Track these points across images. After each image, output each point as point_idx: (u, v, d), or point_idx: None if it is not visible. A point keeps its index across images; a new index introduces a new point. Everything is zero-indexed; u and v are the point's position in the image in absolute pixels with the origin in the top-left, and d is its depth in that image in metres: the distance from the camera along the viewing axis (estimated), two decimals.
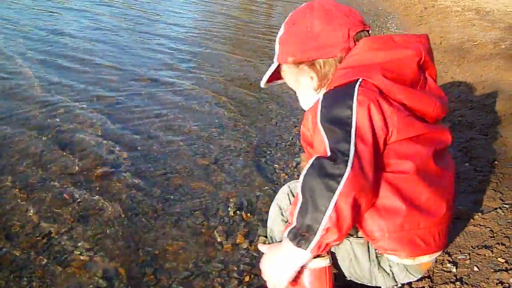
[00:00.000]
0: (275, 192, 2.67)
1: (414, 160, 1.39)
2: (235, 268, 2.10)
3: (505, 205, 2.18)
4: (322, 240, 1.24)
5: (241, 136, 3.45)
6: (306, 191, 1.25)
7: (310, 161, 1.27)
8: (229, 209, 2.53)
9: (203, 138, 3.35)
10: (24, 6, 6.62)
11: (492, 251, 1.86)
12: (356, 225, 1.41)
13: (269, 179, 2.90)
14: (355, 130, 1.27)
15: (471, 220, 2.13)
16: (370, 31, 1.57)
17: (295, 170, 2.99)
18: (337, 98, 1.36)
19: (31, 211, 2.34)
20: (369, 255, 1.55)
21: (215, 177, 2.86)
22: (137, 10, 7.50)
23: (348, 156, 1.23)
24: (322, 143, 1.30)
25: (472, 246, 1.94)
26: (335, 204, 1.20)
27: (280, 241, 1.39)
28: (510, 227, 2.01)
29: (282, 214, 1.66)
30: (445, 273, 1.83)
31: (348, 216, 1.22)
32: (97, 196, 2.52)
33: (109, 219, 2.36)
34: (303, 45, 1.56)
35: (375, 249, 1.53)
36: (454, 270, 1.82)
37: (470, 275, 1.78)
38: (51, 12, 6.54)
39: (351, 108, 1.30)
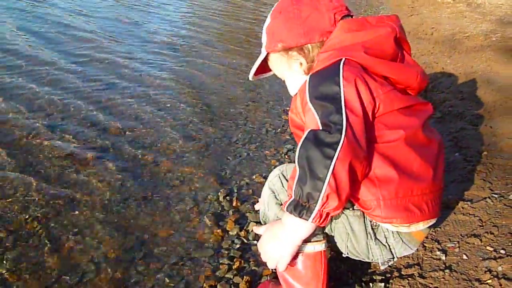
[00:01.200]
0: (265, 179, 2.68)
1: (403, 129, 1.44)
2: (225, 254, 2.10)
3: (494, 195, 2.20)
4: (323, 209, 1.25)
5: (231, 123, 3.44)
6: (304, 162, 1.26)
7: (304, 134, 1.29)
8: (219, 195, 2.52)
9: (193, 124, 3.33)
10: None
11: (481, 239, 1.88)
12: (351, 199, 1.45)
13: (260, 165, 2.89)
14: (345, 103, 1.31)
15: (461, 209, 2.14)
16: (353, 16, 1.61)
17: (286, 156, 2.99)
18: (324, 77, 1.40)
19: (18, 194, 2.31)
20: (365, 227, 1.56)
21: (205, 163, 2.84)
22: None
23: (341, 125, 1.26)
24: (313, 119, 1.32)
25: (461, 235, 1.95)
26: (333, 170, 1.22)
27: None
28: (499, 217, 2.02)
29: (275, 198, 1.65)
30: (434, 260, 1.84)
31: (346, 182, 1.25)
32: (85, 181, 2.49)
33: (98, 204, 2.34)
34: (292, 31, 1.59)
35: (371, 220, 1.55)
36: (443, 258, 1.84)
37: (459, 263, 1.79)
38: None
39: (338, 84, 1.34)
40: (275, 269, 1.56)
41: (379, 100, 1.39)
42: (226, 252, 2.11)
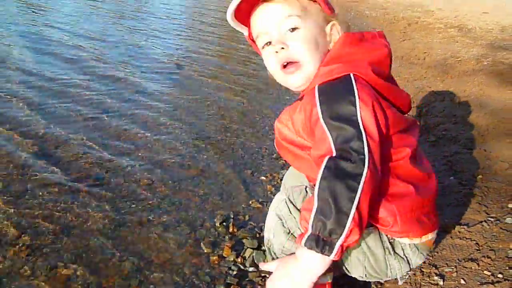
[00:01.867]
0: (262, 204, 2.69)
1: (408, 147, 1.46)
2: (222, 281, 2.07)
3: (490, 219, 2.21)
4: (344, 243, 1.22)
5: (228, 147, 3.44)
6: (326, 194, 1.21)
7: (324, 163, 1.25)
8: (215, 221, 2.51)
9: (190, 148, 3.34)
10: None
11: (478, 264, 1.88)
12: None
13: (256, 191, 2.89)
14: (364, 128, 1.27)
15: (457, 233, 2.14)
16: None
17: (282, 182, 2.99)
18: (337, 94, 1.35)
19: (13, 221, 2.29)
20: (382, 243, 1.55)
21: (201, 188, 2.84)
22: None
23: (363, 154, 1.23)
24: (325, 141, 1.28)
25: (458, 259, 1.95)
26: (358, 204, 1.19)
27: (290, 254, 1.39)
28: (495, 240, 2.02)
29: (283, 225, 1.60)
30: (432, 285, 1.84)
31: (367, 212, 1.23)
32: (81, 207, 2.48)
33: (93, 230, 2.32)
34: None
35: (387, 235, 1.54)
36: (441, 283, 1.83)
37: (457, 287, 1.79)
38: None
39: (354, 105, 1.30)
40: None
41: (389, 122, 1.39)
42: (223, 279, 2.09)
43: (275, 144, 1.71)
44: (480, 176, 2.69)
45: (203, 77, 5.17)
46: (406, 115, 1.65)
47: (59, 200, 2.50)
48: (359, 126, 1.27)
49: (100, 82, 4.48)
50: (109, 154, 3.08)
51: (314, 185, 1.28)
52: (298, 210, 1.55)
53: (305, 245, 1.24)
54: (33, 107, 3.64)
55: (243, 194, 2.82)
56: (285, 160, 1.85)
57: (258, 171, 3.14)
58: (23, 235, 2.21)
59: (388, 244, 1.56)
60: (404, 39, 7.47)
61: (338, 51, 1.48)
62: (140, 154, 3.16)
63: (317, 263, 1.26)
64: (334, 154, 1.25)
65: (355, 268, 1.60)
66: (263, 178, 3.05)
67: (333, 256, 1.22)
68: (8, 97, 3.77)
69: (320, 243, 1.21)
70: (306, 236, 1.24)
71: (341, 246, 1.21)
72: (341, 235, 1.19)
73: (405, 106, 1.61)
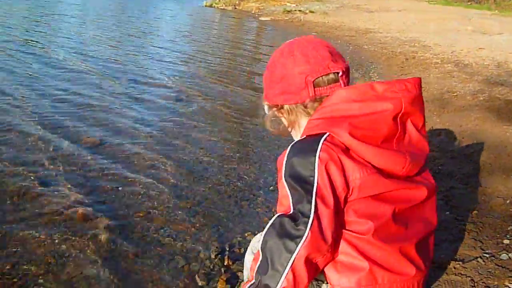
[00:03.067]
0: None
1: (373, 221, 1.34)
2: None
3: (485, 254, 2.20)
4: None
5: (224, 179, 3.45)
6: (266, 250, 1.26)
7: (272, 219, 1.29)
8: (210, 253, 2.50)
9: (186, 179, 3.34)
10: None
11: None
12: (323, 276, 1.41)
13: (252, 223, 2.88)
14: (316, 190, 1.25)
15: (453, 269, 2.13)
16: (341, 72, 1.45)
17: None
18: (302, 153, 1.32)
19: (7, 252, 2.28)
20: None
21: (196, 220, 2.83)
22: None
23: (308, 217, 1.23)
24: (286, 198, 1.30)
25: None
26: (292, 265, 1.22)
27: None
28: (491, 277, 2.02)
29: None
30: None
31: (305, 277, 1.24)
32: (76, 238, 2.47)
33: (87, 261, 2.31)
34: (271, 89, 1.55)
35: None
36: None
37: None
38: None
39: (313, 166, 1.27)
40: None
41: (353, 185, 1.30)
42: None
43: None
44: (475, 212, 2.69)
45: (201, 105, 5.22)
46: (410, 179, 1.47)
47: (53, 228, 2.50)
48: (312, 188, 1.26)
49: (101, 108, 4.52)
50: (104, 182, 3.09)
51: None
52: None
53: None
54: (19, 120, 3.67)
55: (239, 226, 2.82)
56: None
57: (254, 203, 3.14)
58: (17, 264, 2.20)
59: None
60: (402, 73, 7.58)
61: (325, 108, 1.41)
62: (136, 184, 3.17)
63: None
64: (290, 212, 1.28)
65: None
66: (259, 209, 3.06)
67: None
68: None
69: None
70: (249, 284, 1.30)
71: None
72: None
73: (398, 174, 1.41)
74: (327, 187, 1.26)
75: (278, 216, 1.29)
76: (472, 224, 2.54)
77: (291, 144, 1.38)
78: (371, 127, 1.35)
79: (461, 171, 3.34)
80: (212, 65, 7.96)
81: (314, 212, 1.23)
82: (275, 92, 1.52)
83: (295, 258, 1.21)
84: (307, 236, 1.21)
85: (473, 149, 3.68)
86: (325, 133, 1.32)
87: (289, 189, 1.30)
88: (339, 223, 1.32)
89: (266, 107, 1.61)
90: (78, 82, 5.47)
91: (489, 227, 2.49)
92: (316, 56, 1.46)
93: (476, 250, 2.27)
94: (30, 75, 5.42)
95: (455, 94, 5.60)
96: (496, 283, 1.96)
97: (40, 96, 4.75)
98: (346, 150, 1.31)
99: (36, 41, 7.19)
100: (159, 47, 8.75)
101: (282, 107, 1.53)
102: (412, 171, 1.44)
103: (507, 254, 2.16)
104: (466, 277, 2.05)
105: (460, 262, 2.17)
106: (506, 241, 2.30)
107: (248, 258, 1.67)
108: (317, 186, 1.25)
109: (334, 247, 1.31)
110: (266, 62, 1.61)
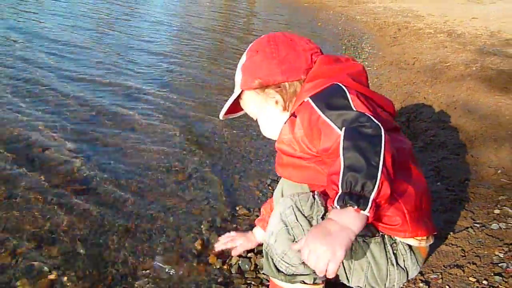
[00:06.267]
0: (249, 211, 2.67)
1: (405, 146, 1.51)
2: None
3: (476, 224, 2.21)
4: (377, 197, 1.21)
5: (215, 152, 3.43)
6: (352, 152, 1.24)
7: (342, 133, 1.30)
8: (202, 227, 2.49)
9: (177, 154, 3.31)
10: None
11: (463, 270, 1.87)
12: (375, 221, 1.39)
13: (243, 197, 2.87)
14: (355, 107, 1.39)
15: (443, 239, 2.14)
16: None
17: (269, 188, 2.98)
18: (329, 94, 1.46)
19: None
20: (386, 253, 1.56)
21: (188, 194, 2.82)
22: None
23: (374, 122, 1.30)
24: (331, 132, 1.34)
25: (444, 266, 1.95)
26: (384, 157, 1.23)
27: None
28: (481, 247, 2.02)
29: (288, 232, 1.50)
30: None
31: (392, 172, 1.25)
32: (66, 213, 2.45)
33: (78, 236, 2.29)
34: (270, 69, 1.65)
35: (391, 245, 1.56)
36: None
37: None
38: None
39: (347, 99, 1.41)
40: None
41: (379, 116, 1.46)
42: (208, 286, 2.07)
43: (276, 167, 1.77)
44: (467, 182, 2.70)
45: (191, 81, 5.16)
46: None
47: (44, 206, 2.47)
48: (358, 110, 1.36)
49: (85, 86, 4.45)
50: (95, 159, 3.05)
51: (321, 192, 1.39)
52: (305, 217, 1.49)
53: (337, 204, 1.22)
54: (13, 109, 3.61)
55: (230, 200, 2.81)
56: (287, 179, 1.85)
57: (245, 176, 3.13)
58: (7, 240, 2.18)
59: (392, 254, 1.57)
60: (394, 44, 7.52)
61: (317, 70, 1.60)
62: (127, 159, 3.14)
63: (352, 220, 1.22)
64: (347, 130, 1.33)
65: (356, 277, 1.59)
66: (250, 183, 3.04)
67: (367, 211, 1.20)
68: None
69: (354, 197, 1.20)
70: (337, 196, 1.23)
71: (374, 201, 1.20)
72: (373, 188, 1.19)
73: (391, 111, 1.68)
74: (367, 110, 1.39)
75: (345, 129, 1.30)
76: (463, 194, 2.55)
77: (309, 98, 1.49)
78: (359, 77, 1.60)
79: (452, 141, 3.34)
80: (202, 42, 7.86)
81: (375, 118, 1.32)
82: (276, 71, 1.64)
83: (384, 152, 1.23)
84: (383, 132, 1.27)
85: (465, 120, 3.67)
86: (333, 83, 1.49)
87: (332, 122, 1.36)
88: None
89: (251, 92, 1.76)
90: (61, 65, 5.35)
91: (480, 197, 2.49)
92: (309, 41, 1.74)
93: (467, 220, 2.28)
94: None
95: (447, 64, 5.56)
96: (486, 252, 1.97)
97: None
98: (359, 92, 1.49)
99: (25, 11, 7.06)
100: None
101: (279, 86, 1.66)
102: (395, 115, 1.69)
103: (498, 224, 2.17)
104: (456, 247, 2.06)
105: (451, 232, 2.18)
106: (496, 211, 2.30)
107: (277, 224, 1.54)
108: (357, 110, 1.37)
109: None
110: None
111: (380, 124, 1.29)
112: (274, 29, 9.34)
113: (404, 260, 1.59)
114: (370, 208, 1.20)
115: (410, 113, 4.12)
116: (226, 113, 1.93)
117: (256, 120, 1.84)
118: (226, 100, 1.88)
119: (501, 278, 1.78)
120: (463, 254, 2.00)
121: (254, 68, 1.70)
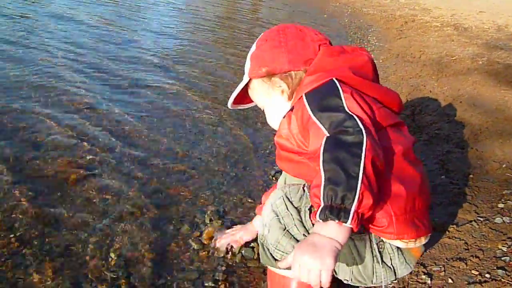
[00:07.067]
0: (253, 200, 2.68)
1: (401, 144, 1.48)
2: (210, 277, 2.07)
3: (479, 218, 2.21)
4: (359, 209, 1.20)
5: (220, 143, 3.43)
6: (331, 165, 1.23)
7: (323, 141, 1.29)
8: (205, 216, 2.50)
9: (181, 143, 3.32)
10: None
11: (466, 263, 1.88)
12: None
13: (247, 187, 2.88)
14: (352, 113, 1.35)
15: (447, 232, 2.15)
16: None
17: (274, 178, 2.98)
18: (323, 92, 1.45)
19: (2, 214, 2.27)
20: (372, 250, 1.56)
21: (192, 183, 2.83)
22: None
23: (358, 127, 1.28)
24: (319, 133, 1.34)
25: (447, 258, 1.95)
26: (364, 167, 1.21)
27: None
28: (484, 240, 2.03)
29: (279, 221, 1.56)
30: (420, 284, 1.84)
31: (375, 180, 1.24)
32: (70, 200, 2.46)
33: (81, 223, 2.31)
34: (278, 58, 1.66)
35: (377, 243, 1.55)
36: (428, 281, 1.83)
37: (445, 287, 1.79)
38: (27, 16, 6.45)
39: (340, 98, 1.39)
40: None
41: (375, 114, 1.44)
42: (211, 275, 2.09)
43: (276, 160, 1.76)
44: (471, 176, 2.69)
45: (198, 70, 5.16)
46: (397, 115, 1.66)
47: (45, 194, 2.48)
48: (348, 112, 1.35)
49: (88, 75, 4.45)
50: (98, 147, 3.05)
51: (311, 184, 1.32)
52: (295, 207, 1.56)
53: (319, 218, 1.22)
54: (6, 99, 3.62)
55: (234, 189, 2.81)
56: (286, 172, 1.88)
57: (250, 167, 3.13)
58: (13, 226, 2.20)
59: (377, 252, 1.56)
60: (401, 37, 7.48)
61: (319, 62, 1.60)
62: (131, 147, 3.14)
63: (335, 233, 1.22)
64: (332, 133, 1.32)
65: (342, 272, 1.60)
66: (255, 173, 3.05)
67: (349, 223, 1.19)
68: None
69: (335, 211, 1.20)
70: (319, 210, 1.23)
71: (356, 212, 1.20)
72: (353, 200, 1.18)
73: (395, 105, 1.64)
74: (360, 110, 1.38)
75: (327, 138, 1.30)
76: (468, 188, 2.55)
77: (304, 95, 1.49)
78: (363, 71, 1.59)
79: (457, 135, 3.33)
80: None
81: (361, 122, 1.31)
82: (284, 60, 1.65)
83: (364, 160, 1.21)
84: (366, 140, 1.25)
85: (470, 113, 3.66)
86: (331, 79, 1.48)
87: (320, 122, 1.36)
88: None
89: (258, 80, 1.75)
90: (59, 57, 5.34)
91: (484, 191, 2.49)
92: (318, 32, 1.74)
93: (470, 213, 2.28)
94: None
95: (454, 58, 5.53)
96: (489, 246, 1.98)
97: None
98: (355, 89, 1.48)
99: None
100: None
101: (285, 74, 1.66)
102: (401, 109, 1.68)
103: (502, 218, 2.18)
104: (460, 240, 2.07)
105: (454, 226, 2.19)
106: (500, 205, 2.31)
107: (269, 215, 1.61)
108: (350, 110, 1.36)
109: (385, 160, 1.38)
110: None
111: (364, 129, 1.27)
112: (279, 21, 9.32)
113: (391, 259, 1.58)
114: (352, 219, 1.20)
115: (416, 106, 4.10)
116: (235, 103, 1.91)
117: (263, 110, 1.84)
118: (234, 90, 1.88)
119: (504, 271, 1.78)
120: (466, 247, 2.00)
121: (262, 56, 1.70)
